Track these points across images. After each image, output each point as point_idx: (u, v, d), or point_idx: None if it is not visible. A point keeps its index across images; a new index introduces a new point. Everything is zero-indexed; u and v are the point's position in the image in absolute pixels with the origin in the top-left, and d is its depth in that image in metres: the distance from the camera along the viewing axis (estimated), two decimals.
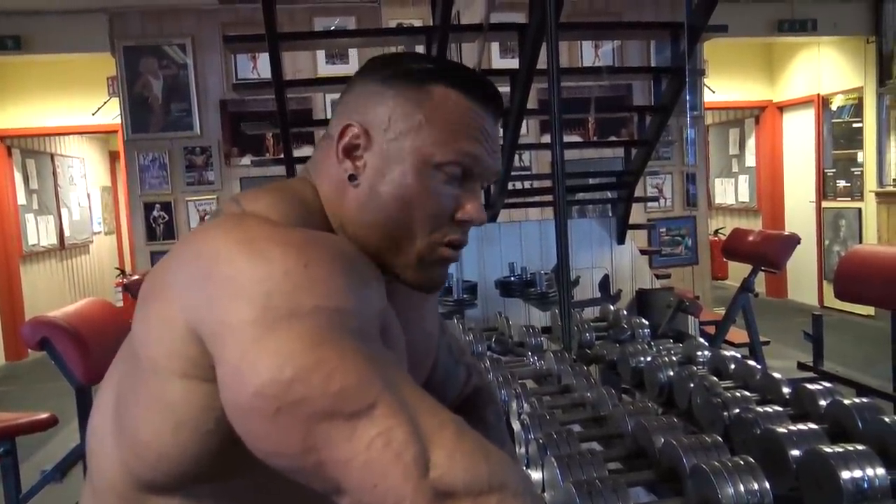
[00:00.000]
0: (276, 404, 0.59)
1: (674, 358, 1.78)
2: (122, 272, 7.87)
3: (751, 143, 7.99)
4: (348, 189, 0.81)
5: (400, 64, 0.83)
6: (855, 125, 6.51)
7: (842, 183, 6.68)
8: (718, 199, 8.72)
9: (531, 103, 3.07)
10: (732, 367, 1.66)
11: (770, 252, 3.47)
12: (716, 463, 1.01)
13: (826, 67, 6.79)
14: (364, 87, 0.83)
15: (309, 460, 0.59)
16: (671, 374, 1.62)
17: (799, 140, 7.30)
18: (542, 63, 2.28)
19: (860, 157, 6.45)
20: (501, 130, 2.95)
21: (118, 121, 5.53)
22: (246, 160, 5.41)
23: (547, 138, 4.99)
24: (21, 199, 6.76)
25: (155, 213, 5.39)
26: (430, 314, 1.00)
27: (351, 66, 5.31)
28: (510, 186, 3.17)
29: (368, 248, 0.81)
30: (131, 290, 3.96)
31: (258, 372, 0.60)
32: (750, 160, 8.02)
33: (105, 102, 5.99)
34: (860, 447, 1.00)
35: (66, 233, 7.74)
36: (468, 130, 0.80)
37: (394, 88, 0.80)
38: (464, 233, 0.83)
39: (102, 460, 0.79)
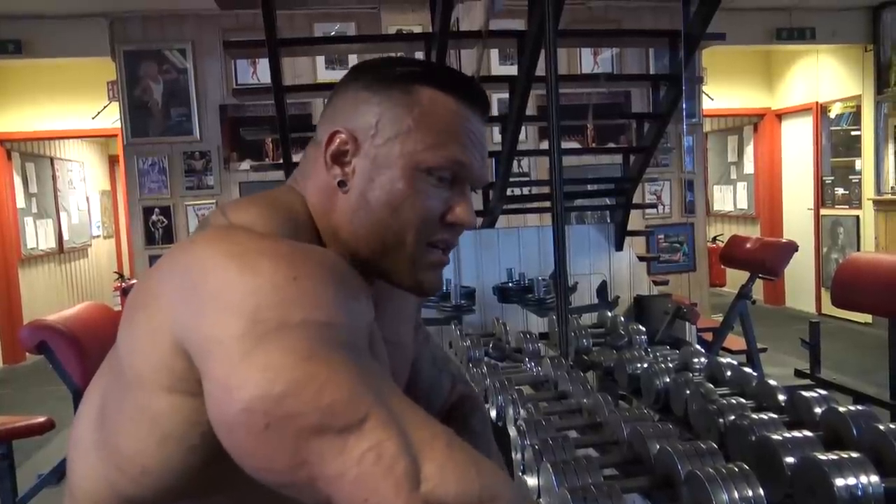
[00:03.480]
0: (266, 419, 0.58)
1: (670, 365, 1.78)
2: (121, 276, 7.86)
3: (749, 151, 8.00)
4: (338, 196, 0.81)
5: (385, 68, 0.83)
6: (853, 133, 6.52)
7: (840, 190, 6.70)
8: (717, 206, 8.73)
9: (530, 110, 3.08)
10: (729, 374, 1.66)
11: (768, 259, 3.48)
12: (710, 470, 1.01)
13: (824, 75, 6.81)
14: (350, 94, 0.83)
15: (299, 475, 0.58)
16: (667, 380, 1.62)
17: (797, 148, 7.32)
18: (540, 70, 2.29)
19: (858, 164, 6.47)
20: (500, 136, 2.95)
21: (118, 125, 5.54)
22: (245, 165, 5.42)
23: (545, 145, 5.00)
24: (20, 202, 6.77)
25: (154, 217, 5.40)
26: (405, 325, 0.99)
27: None
28: (509, 192, 3.18)
29: (361, 254, 0.81)
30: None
31: (247, 387, 0.59)
32: (748, 167, 8.04)
33: (105, 106, 6.00)
34: (854, 455, 1.01)
35: (65, 236, 7.74)
36: (458, 134, 0.81)
37: (380, 94, 0.80)
38: (453, 234, 0.83)
39: (83, 472, 0.77)
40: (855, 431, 1.18)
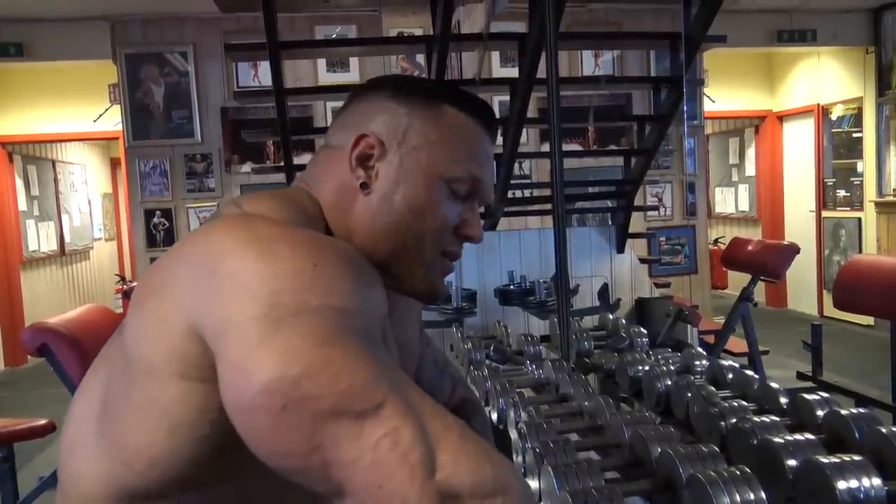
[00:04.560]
0: (283, 401, 0.58)
1: (672, 367, 1.78)
2: (122, 279, 7.87)
3: (751, 153, 8.00)
4: (358, 197, 0.83)
5: (410, 82, 0.89)
6: (855, 135, 6.52)
7: (841, 192, 6.69)
8: (718, 209, 8.72)
9: (531, 112, 3.08)
10: (730, 376, 1.66)
11: (769, 261, 3.48)
12: (712, 473, 1.00)
13: (826, 77, 6.81)
14: (374, 102, 0.86)
15: (314, 460, 0.58)
16: (669, 383, 1.62)
17: (799, 150, 7.31)
18: (541, 72, 2.29)
19: (860, 166, 6.46)
20: (501, 139, 2.95)
21: (119, 128, 5.54)
22: (246, 167, 5.42)
23: (547, 147, 5.01)
24: (22, 205, 6.77)
25: (155, 219, 5.40)
26: (411, 325, 1.01)
27: (352, 75, 5.33)
28: (510, 195, 3.18)
29: (376, 256, 0.82)
30: (131, 296, 3.96)
31: (264, 369, 0.59)
32: (750, 169, 8.04)
33: (106, 109, 6.01)
34: (857, 458, 1.00)
35: (67, 239, 7.74)
36: (476, 153, 0.86)
37: (406, 105, 0.84)
38: (459, 247, 0.88)
39: (79, 471, 0.76)
40: (857, 434, 1.17)
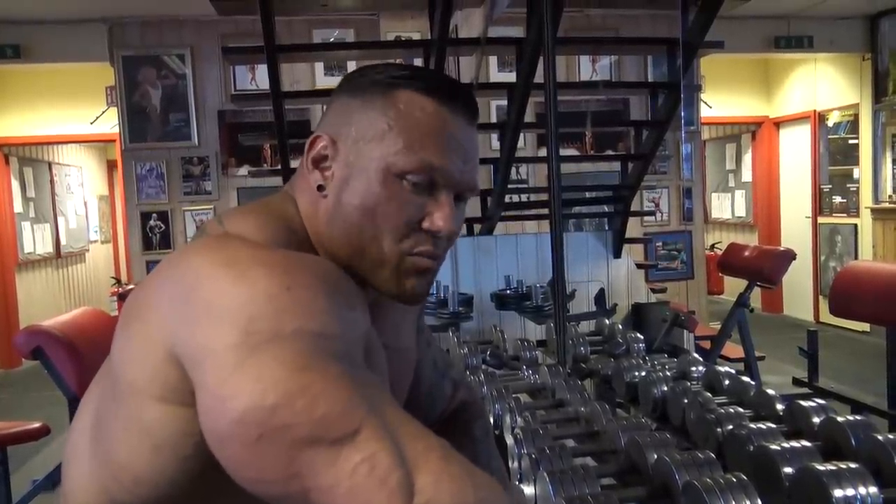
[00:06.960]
0: (259, 431, 0.58)
1: (668, 373, 1.78)
2: (118, 281, 7.85)
3: (747, 159, 8.01)
4: (319, 200, 0.80)
5: (368, 74, 0.82)
6: (851, 141, 6.53)
7: (838, 199, 6.70)
8: (715, 214, 8.73)
9: (528, 117, 3.09)
10: (727, 382, 1.66)
11: (766, 267, 3.48)
12: (708, 480, 1.00)
13: (822, 84, 6.83)
14: (337, 102, 0.82)
15: (292, 487, 0.58)
16: (665, 389, 1.62)
17: (795, 155, 7.32)
18: (539, 77, 2.29)
19: (856, 173, 6.48)
20: (499, 143, 2.95)
21: (116, 130, 5.53)
22: (243, 170, 5.41)
23: (544, 152, 5.01)
24: (18, 206, 6.75)
25: (151, 222, 5.39)
26: (407, 330, 0.98)
27: None
28: (507, 199, 3.18)
29: (341, 260, 0.79)
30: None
31: (240, 398, 0.58)
32: (746, 175, 8.05)
33: (103, 112, 6.00)
34: (853, 465, 1.00)
35: (63, 241, 7.72)
36: (434, 137, 0.77)
37: (361, 98, 0.79)
38: (436, 244, 0.80)
39: (77, 481, 0.77)
40: (853, 442, 1.17)
